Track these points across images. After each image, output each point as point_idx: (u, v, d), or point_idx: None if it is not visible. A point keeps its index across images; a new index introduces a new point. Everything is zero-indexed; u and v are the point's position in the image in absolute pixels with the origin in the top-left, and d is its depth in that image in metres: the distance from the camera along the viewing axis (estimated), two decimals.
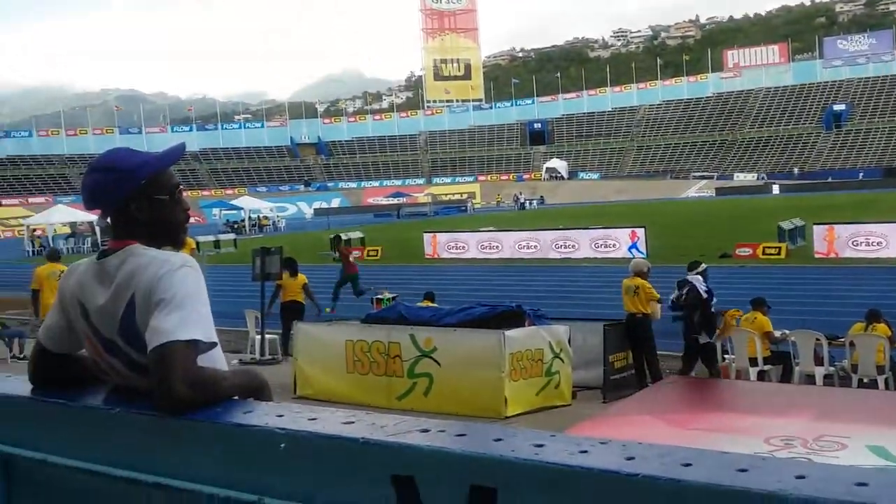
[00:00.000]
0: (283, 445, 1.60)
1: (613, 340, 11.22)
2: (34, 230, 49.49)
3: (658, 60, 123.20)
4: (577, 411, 9.81)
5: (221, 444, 1.72)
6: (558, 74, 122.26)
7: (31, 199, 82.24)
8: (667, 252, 24.91)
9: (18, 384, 2.20)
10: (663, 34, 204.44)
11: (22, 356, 14.11)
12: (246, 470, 1.66)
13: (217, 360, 2.11)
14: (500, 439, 1.48)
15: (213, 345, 1.97)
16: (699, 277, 11.34)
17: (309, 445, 1.58)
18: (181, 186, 2.32)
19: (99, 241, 46.15)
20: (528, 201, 73.75)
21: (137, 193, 2.13)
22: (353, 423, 1.63)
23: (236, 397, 1.99)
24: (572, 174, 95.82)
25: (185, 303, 1.93)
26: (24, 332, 15.33)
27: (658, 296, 11.65)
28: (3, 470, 2.04)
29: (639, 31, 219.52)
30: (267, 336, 13.86)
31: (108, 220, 2.17)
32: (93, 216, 48.40)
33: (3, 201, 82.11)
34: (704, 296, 11.12)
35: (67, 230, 49.99)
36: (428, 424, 1.58)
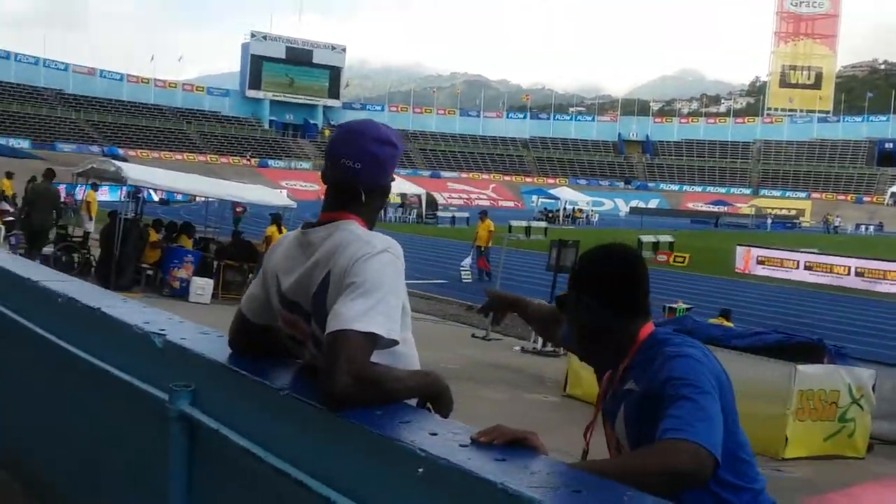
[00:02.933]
0: (420, 470, 1.49)
1: None
2: None
3: None
4: (869, 467, 8.77)
5: (366, 452, 1.64)
6: None
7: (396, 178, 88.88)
8: None
9: (219, 346, 2.27)
10: None
11: None
12: (382, 488, 1.58)
13: (404, 358, 2.02)
14: None
15: (395, 342, 1.87)
16: None
17: (447, 477, 1.45)
18: None
19: (424, 213, 49.15)
20: (840, 226, 67.86)
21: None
22: (504, 460, 1.48)
23: (413, 402, 1.91)
24: None
25: (375, 291, 1.84)
26: None
27: None
28: (189, 432, 2.12)
29: None
30: None
31: (331, 189, 2.11)
32: (420, 190, 51.63)
33: None
34: None
35: (398, 200, 53.60)
36: (581, 483, 1.42)
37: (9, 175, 23.83)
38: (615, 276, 2.20)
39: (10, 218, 18.91)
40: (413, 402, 1.92)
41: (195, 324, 2.57)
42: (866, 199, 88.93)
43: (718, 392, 2.00)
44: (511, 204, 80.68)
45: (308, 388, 1.85)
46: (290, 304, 2.07)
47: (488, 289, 3.06)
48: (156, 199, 37.84)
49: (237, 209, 27.37)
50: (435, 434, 1.61)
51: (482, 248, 22.16)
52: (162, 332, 2.39)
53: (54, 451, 3.02)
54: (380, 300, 1.84)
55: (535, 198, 68.87)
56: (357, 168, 2.05)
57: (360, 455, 1.65)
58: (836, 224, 67.32)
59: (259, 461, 1.83)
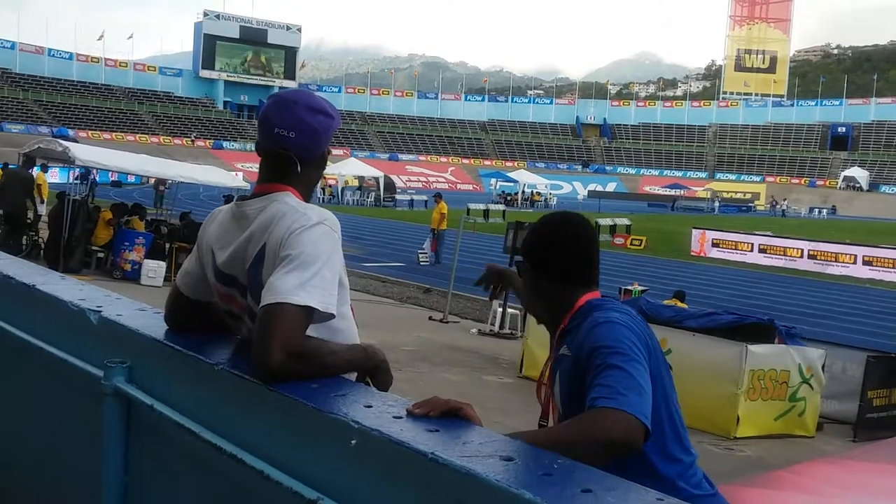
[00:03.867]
0: (353, 442, 1.47)
1: (877, 374, 10.05)
2: (327, 179, 53.33)
3: None
4: (819, 446, 8.94)
5: (301, 425, 1.62)
6: (875, 76, 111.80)
7: (332, 151, 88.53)
8: None
9: (156, 323, 2.22)
10: None
11: None
12: (316, 460, 1.55)
13: (342, 333, 1.99)
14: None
15: (331, 316, 1.83)
16: None
17: (379, 448, 1.43)
18: None
19: (382, 196, 48.96)
20: (788, 209, 69.14)
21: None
22: (437, 431, 1.47)
23: (350, 376, 1.88)
24: (873, 186, 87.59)
25: (310, 264, 1.81)
26: None
27: None
28: (125, 409, 2.06)
29: None
30: (510, 310, 13.93)
31: (266, 160, 2.06)
32: (378, 172, 51.43)
33: None
34: None
35: (356, 183, 53.35)
36: (513, 451, 1.40)
37: None
38: (549, 242, 2.25)
39: None
40: (352, 376, 1.88)
41: (132, 300, 2.50)
42: (819, 182, 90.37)
43: (647, 358, 1.98)
44: (470, 187, 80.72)
45: (244, 363, 1.82)
46: (226, 277, 2.04)
47: (488, 263, 3.15)
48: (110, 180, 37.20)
49: (159, 187, 27.13)
50: (370, 406, 1.59)
51: (435, 231, 22.52)
52: (98, 309, 2.32)
53: None
54: (315, 273, 1.80)
55: (493, 181, 68.97)
56: (291, 137, 2.00)
57: (295, 428, 1.63)
58: (784, 207, 68.53)
59: (195, 436, 1.80)
